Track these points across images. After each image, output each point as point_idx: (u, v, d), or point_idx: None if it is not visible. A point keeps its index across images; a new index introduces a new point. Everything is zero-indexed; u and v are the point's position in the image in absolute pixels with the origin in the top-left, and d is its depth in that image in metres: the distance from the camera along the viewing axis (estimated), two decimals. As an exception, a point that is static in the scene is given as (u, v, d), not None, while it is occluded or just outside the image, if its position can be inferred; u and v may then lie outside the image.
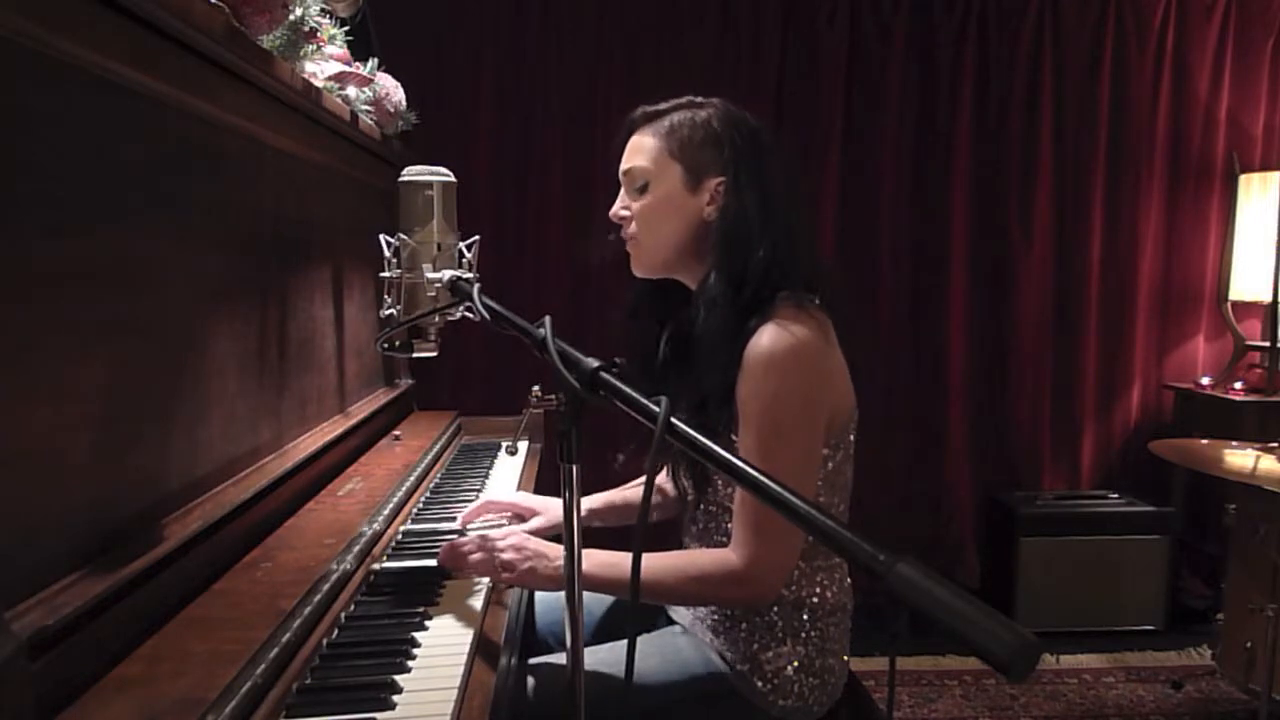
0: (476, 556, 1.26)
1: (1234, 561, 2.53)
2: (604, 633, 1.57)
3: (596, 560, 1.26)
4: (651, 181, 1.37)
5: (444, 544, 1.32)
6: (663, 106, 1.40)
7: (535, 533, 1.42)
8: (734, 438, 1.28)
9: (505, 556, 1.25)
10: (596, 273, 3.15)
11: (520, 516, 1.56)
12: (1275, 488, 2.11)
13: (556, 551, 1.26)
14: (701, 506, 1.40)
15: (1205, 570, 3.29)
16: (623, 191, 1.42)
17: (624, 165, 1.41)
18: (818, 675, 1.33)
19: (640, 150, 1.38)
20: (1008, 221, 3.32)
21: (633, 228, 1.40)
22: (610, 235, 1.45)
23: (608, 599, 1.59)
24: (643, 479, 1.55)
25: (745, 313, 1.28)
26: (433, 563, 1.31)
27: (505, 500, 1.59)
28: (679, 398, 1.32)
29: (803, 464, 1.27)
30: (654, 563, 1.26)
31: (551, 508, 1.55)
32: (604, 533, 1.50)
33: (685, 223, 1.36)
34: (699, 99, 1.40)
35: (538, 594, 1.62)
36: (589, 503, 1.61)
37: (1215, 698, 2.73)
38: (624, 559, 1.27)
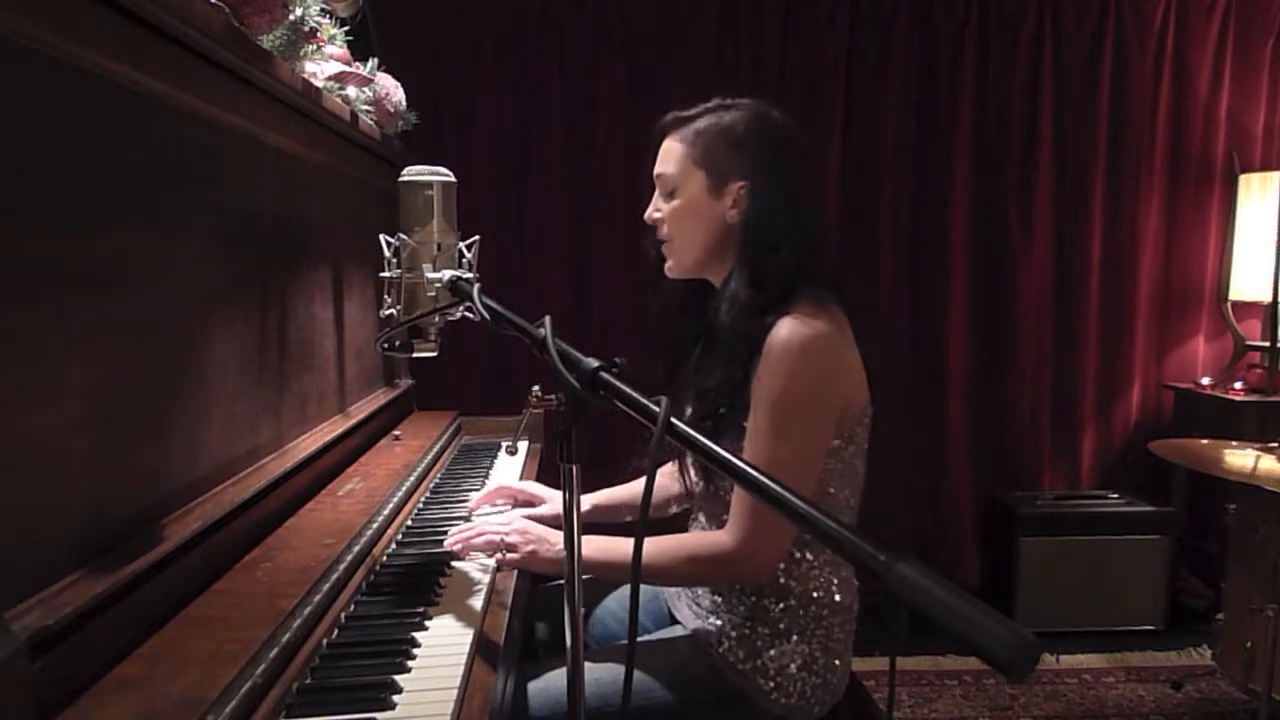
0: (482, 539, 1.35)
1: (1234, 561, 2.53)
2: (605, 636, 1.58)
3: (595, 545, 1.31)
4: (678, 187, 1.40)
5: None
6: (693, 111, 1.42)
7: (540, 520, 1.45)
8: (745, 424, 1.29)
9: (510, 539, 1.34)
10: (597, 273, 3.15)
11: (528, 503, 1.62)
12: (1275, 488, 2.11)
13: (559, 536, 1.32)
14: (710, 494, 1.42)
15: (1205, 570, 3.28)
16: (656, 194, 1.45)
17: (656, 169, 1.44)
18: (820, 675, 1.33)
19: (669, 156, 1.41)
20: (1008, 221, 3.32)
21: (664, 230, 1.43)
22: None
23: (613, 605, 1.61)
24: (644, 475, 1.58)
25: (765, 310, 1.30)
26: (434, 562, 1.32)
27: (514, 487, 1.66)
28: (699, 386, 1.36)
29: (807, 452, 1.29)
30: (650, 545, 1.28)
31: (557, 497, 1.59)
32: (604, 525, 1.51)
33: (710, 226, 1.38)
34: (729, 100, 1.42)
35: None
36: (590, 499, 1.62)
37: (1215, 698, 2.73)
38: (621, 543, 1.32)
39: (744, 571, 1.32)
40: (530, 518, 1.48)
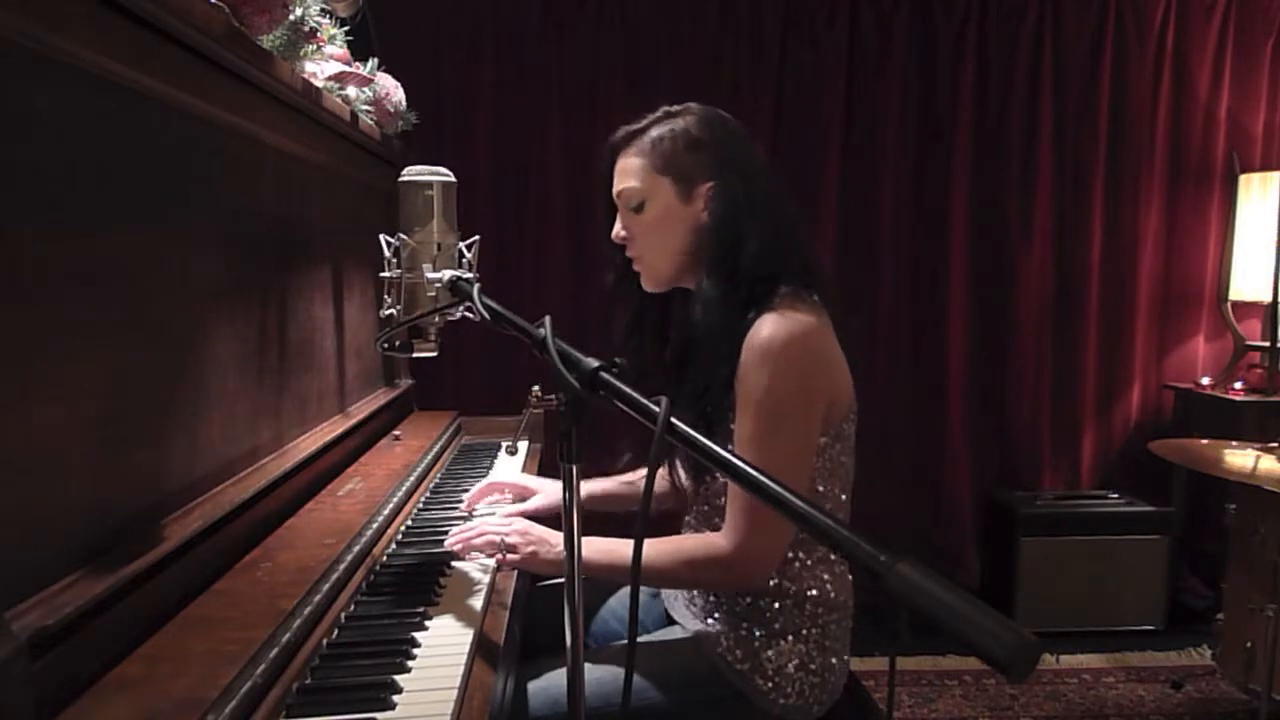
0: (482, 539, 1.35)
1: (1234, 561, 2.53)
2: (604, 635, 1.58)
3: (595, 547, 1.31)
4: (647, 200, 1.39)
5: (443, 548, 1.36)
6: (642, 124, 1.41)
7: (535, 512, 1.48)
8: (732, 426, 1.29)
9: (511, 540, 1.34)
10: (597, 273, 3.15)
11: (521, 496, 1.63)
12: (1275, 488, 2.11)
13: (559, 538, 1.32)
14: (700, 494, 1.42)
15: (1205, 570, 3.28)
16: (619, 213, 1.43)
17: (616, 188, 1.43)
18: (818, 674, 1.33)
19: (629, 171, 1.40)
20: (1008, 221, 3.32)
21: (636, 247, 1.42)
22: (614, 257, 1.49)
23: (613, 605, 1.61)
24: (644, 470, 1.58)
25: (743, 306, 1.30)
26: (434, 562, 1.33)
27: (507, 481, 1.67)
28: (681, 393, 1.35)
29: (799, 450, 1.28)
30: (648, 547, 1.28)
31: (550, 488, 1.62)
32: (604, 523, 1.51)
33: (685, 232, 1.37)
34: (674, 108, 1.41)
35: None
36: (589, 487, 1.63)
37: (1215, 698, 2.73)
38: (621, 545, 1.32)
39: (740, 576, 1.32)
40: (526, 512, 1.50)
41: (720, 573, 1.31)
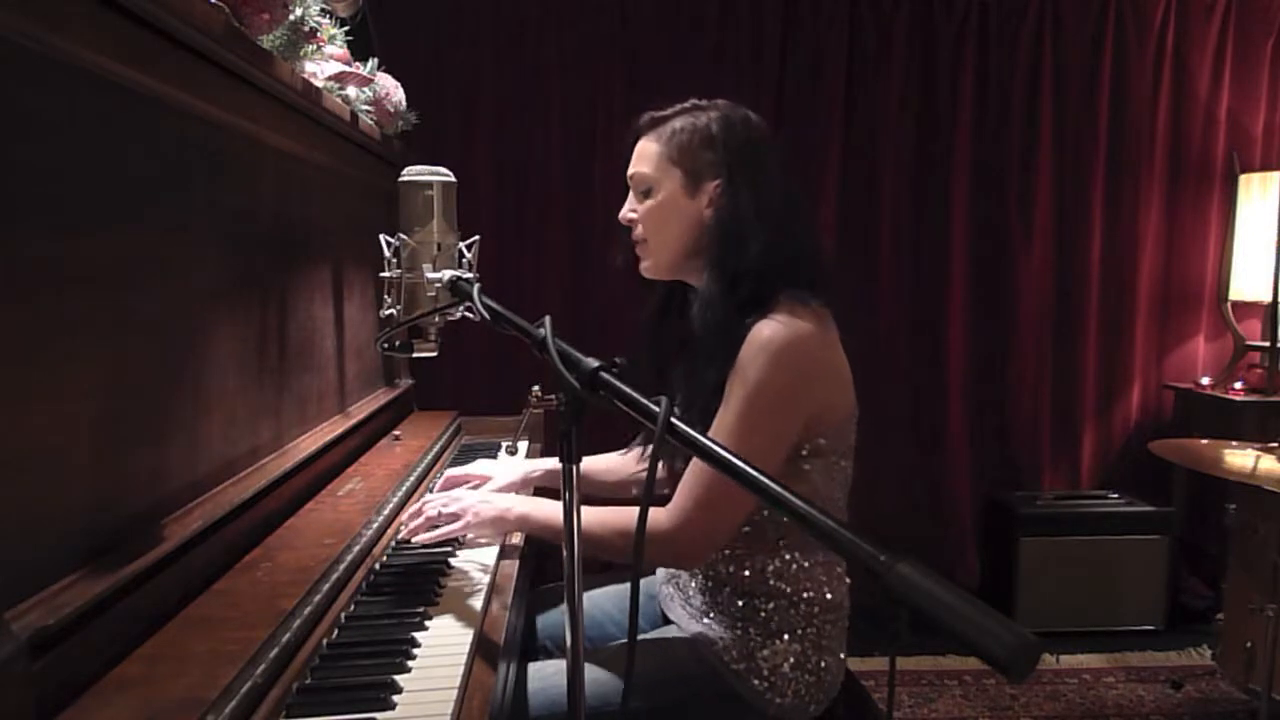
0: (419, 520, 1.39)
1: (1234, 561, 2.53)
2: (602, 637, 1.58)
3: (547, 509, 1.36)
4: (654, 186, 1.40)
5: (442, 547, 1.38)
6: (667, 112, 1.43)
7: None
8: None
9: (450, 509, 1.40)
10: (597, 273, 3.15)
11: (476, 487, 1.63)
12: (1275, 488, 2.11)
13: (497, 496, 1.44)
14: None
15: (1205, 570, 3.28)
16: (630, 195, 1.45)
17: (630, 170, 1.44)
18: (814, 673, 1.33)
19: (644, 156, 1.41)
20: (1008, 221, 3.32)
21: (639, 231, 1.43)
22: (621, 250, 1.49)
23: (609, 607, 1.61)
24: (612, 453, 1.66)
25: (742, 310, 1.30)
26: (434, 562, 1.33)
27: (460, 473, 1.68)
28: (684, 392, 1.36)
29: (765, 452, 1.26)
30: (591, 515, 1.30)
31: (499, 472, 1.64)
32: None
33: (686, 226, 1.38)
34: (703, 102, 1.42)
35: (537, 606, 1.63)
36: (547, 464, 1.67)
37: (1215, 698, 2.73)
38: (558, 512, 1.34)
39: (673, 555, 1.35)
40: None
41: (653, 548, 1.31)
